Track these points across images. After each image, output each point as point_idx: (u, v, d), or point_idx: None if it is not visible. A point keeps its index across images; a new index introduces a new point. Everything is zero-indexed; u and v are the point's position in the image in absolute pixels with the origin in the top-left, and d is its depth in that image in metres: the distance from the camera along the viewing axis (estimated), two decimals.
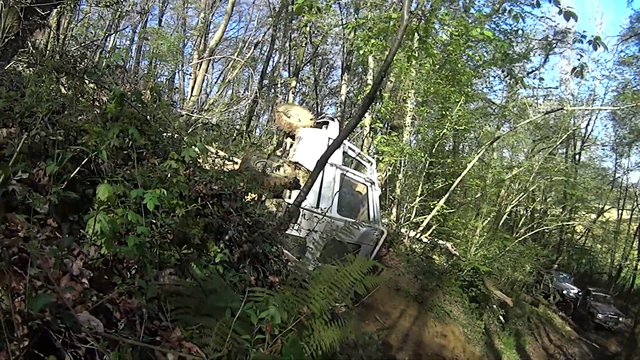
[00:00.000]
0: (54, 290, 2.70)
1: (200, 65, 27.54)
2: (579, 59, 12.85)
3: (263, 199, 10.78)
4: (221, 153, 7.52)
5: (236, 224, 5.99)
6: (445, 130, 23.42)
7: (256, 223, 6.59)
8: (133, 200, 3.87)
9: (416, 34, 13.09)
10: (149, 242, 3.97)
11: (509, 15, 12.55)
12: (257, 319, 3.36)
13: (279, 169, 11.17)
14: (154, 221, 4.17)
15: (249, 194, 7.43)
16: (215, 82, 41.20)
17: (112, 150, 4.38)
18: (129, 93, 5.44)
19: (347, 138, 12.20)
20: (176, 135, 6.58)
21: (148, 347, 2.89)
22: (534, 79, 29.16)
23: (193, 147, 5.05)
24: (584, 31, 12.28)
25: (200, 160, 6.74)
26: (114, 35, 27.97)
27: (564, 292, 36.29)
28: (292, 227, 10.59)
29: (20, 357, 2.27)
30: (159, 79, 37.17)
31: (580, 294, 35.09)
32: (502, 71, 22.52)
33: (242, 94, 41.05)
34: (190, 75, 30.86)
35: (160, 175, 4.74)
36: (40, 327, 2.47)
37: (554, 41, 28.58)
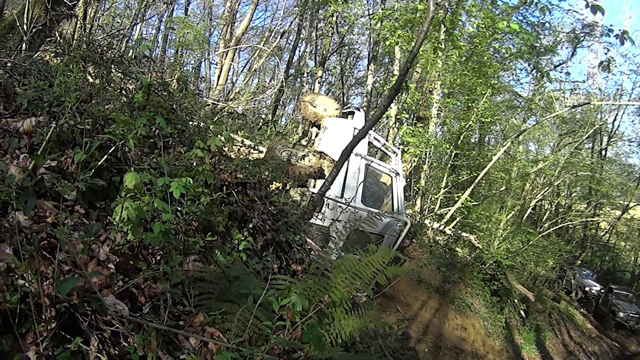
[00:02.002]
0: (81, 275, 2.79)
1: (227, 54, 27.61)
2: (605, 53, 12.81)
3: (288, 188, 10.88)
4: (247, 142, 7.57)
5: (260, 212, 6.10)
6: (471, 122, 23.30)
7: (280, 212, 6.69)
8: (159, 188, 3.94)
9: (443, 26, 13.04)
10: (174, 229, 4.05)
11: (535, 7, 12.51)
12: (279, 306, 3.43)
13: (303, 159, 11.23)
14: (180, 209, 4.25)
15: (274, 182, 7.50)
16: (242, 71, 41.21)
17: (139, 138, 4.46)
18: (156, 83, 5.51)
19: (373, 128, 12.22)
20: (202, 124, 6.64)
21: (172, 330, 2.97)
22: (560, 72, 28.94)
23: (219, 136, 5.13)
24: (611, 25, 12.23)
25: (226, 149, 6.82)
26: (140, 24, 28.07)
27: (586, 289, 36.09)
28: (317, 217, 10.66)
29: (47, 339, 2.35)
30: (185, 68, 37.43)
31: (602, 291, 34.77)
32: (529, 64, 22.42)
33: (268, 83, 41.04)
34: (217, 65, 30.94)
35: (186, 164, 4.81)
36: (67, 310, 2.55)
37: (582, 34, 28.31)
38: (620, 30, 11.48)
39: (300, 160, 11.17)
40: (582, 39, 28.27)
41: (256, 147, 7.69)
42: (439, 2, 11.66)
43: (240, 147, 7.65)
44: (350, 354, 4.35)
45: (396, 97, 24.48)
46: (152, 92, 5.35)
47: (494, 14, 17.81)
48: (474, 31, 18.81)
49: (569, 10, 26.66)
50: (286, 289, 3.93)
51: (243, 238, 5.04)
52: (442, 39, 16.08)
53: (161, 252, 3.88)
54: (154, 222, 3.70)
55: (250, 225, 5.77)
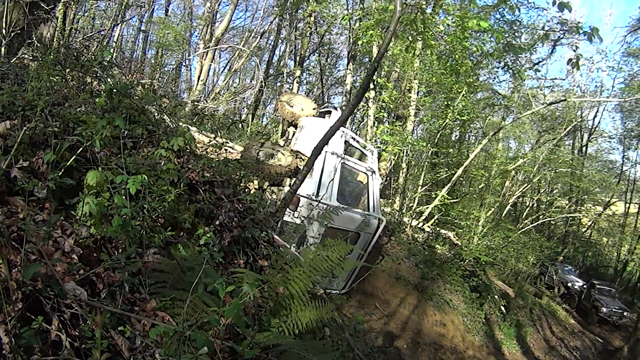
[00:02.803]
0: (45, 263, 3.05)
1: (207, 54, 27.68)
2: (574, 50, 13.06)
3: (264, 187, 11.07)
4: (215, 141, 7.72)
5: (227, 209, 6.25)
6: (448, 120, 23.53)
7: (247, 209, 6.85)
8: (123, 187, 4.19)
9: (414, 25, 13.22)
10: (139, 225, 4.30)
11: (505, 5, 12.74)
12: (225, 293, 3.67)
13: (273, 157, 11.39)
14: (145, 206, 4.50)
15: (243, 181, 7.65)
16: (222, 72, 41.33)
17: (108, 139, 4.70)
18: (119, 86, 5.70)
19: (352, 128, 12.39)
20: (172, 124, 6.83)
21: (125, 314, 3.23)
22: (530, 69, 29.22)
23: (182, 136, 5.35)
24: (579, 22, 12.49)
25: (196, 149, 7.03)
26: (120, 25, 28.13)
27: (569, 284, 36.24)
28: (292, 215, 10.85)
29: (14, 318, 2.64)
30: (165, 69, 37.48)
31: (584, 287, 34.99)
32: (499, 62, 22.66)
33: (248, 84, 41.18)
34: (197, 65, 31.09)
35: (150, 163, 5.02)
36: (32, 294, 2.86)
37: (556, 32, 28.54)
38: (590, 27, 11.76)
39: (271, 158, 11.34)
40: (560, 36, 28.48)
41: (225, 146, 7.84)
42: (406, 2, 11.86)
43: (209, 147, 7.79)
44: (299, 341, 4.54)
45: (375, 97, 24.76)
46: (120, 94, 5.54)
47: (464, 12, 17.98)
48: (446, 29, 19.00)
49: (538, 7, 26.86)
50: (239, 279, 4.17)
51: (204, 232, 5.20)
52: (413, 38, 16.22)
53: (124, 246, 4.11)
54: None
55: (217, 222, 5.94)
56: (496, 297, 22.41)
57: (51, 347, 2.79)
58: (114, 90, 5.50)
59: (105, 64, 6.71)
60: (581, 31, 11.61)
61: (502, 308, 22.41)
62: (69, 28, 12.98)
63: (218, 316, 3.51)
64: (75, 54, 7.43)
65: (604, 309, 31.14)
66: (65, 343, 2.81)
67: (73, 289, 3.13)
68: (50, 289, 2.93)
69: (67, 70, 6.84)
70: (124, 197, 4.14)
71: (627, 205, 47.91)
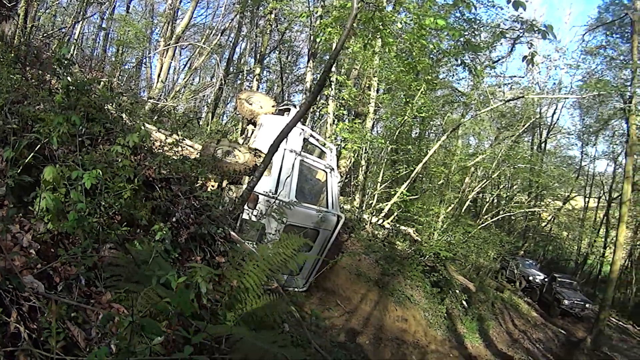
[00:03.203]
0: (4, 257, 3.09)
1: (167, 52, 27.42)
2: (529, 47, 13.25)
3: (223, 185, 11.08)
4: (170, 139, 7.73)
5: (184, 206, 6.30)
6: (407, 117, 23.62)
7: (204, 206, 6.89)
8: (79, 183, 4.22)
9: (372, 23, 13.28)
10: (96, 222, 4.34)
11: (461, 4, 12.82)
12: (176, 284, 3.73)
13: (230, 154, 11.38)
14: (102, 203, 4.54)
15: (200, 178, 7.66)
16: (182, 69, 41.10)
17: (65, 137, 4.72)
18: (76, 83, 5.70)
19: (311, 125, 12.41)
20: (129, 122, 6.84)
21: (81, 306, 3.29)
22: (488, 67, 29.47)
23: (137, 133, 5.38)
24: (533, 20, 12.68)
25: (153, 146, 7.04)
26: (81, 22, 27.78)
27: (530, 278, 36.66)
28: (251, 212, 10.87)
29: None
30: (125, 67, 37.13)
31: (546, 280, 35.45)
32: (457, 60, 22.81)
33: (208, 82, 41.00)
34: (157, 63, 30.82)
35: (107, 160, 5.04)
36: None
37: (520, 31, 28.74)
38: (544, 25, 11.91)
39: (231, 156, 11.34)
40: (520, 35, 28.71)
41: (183, 144, 7.84)
42: (364, 0, 11.93)
43: (165, 144, 7.78)
44: (253, 332, 4.61)
45: (335, 94, 24.81)
46: (78, 92, 5.55)
47: (424, 10, 18.05)
48: (404, 27, 19.08)
49: (495, 6, 27.02)
50: (192, 272, 4.23)
51: (159, 228, 5.24)
52: (372, 36, 16.26)
53: (80, 241, 4.15)
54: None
55: (174, 219, 5.99)
56: (457, 291, 22.62)
57: (10, 338, 2.83)
58: (72, 88, 5.51)
59: (65, 61, 6.70)
60: (535, 29, 11.77)
61: (464, 302, 22.60)
62: (30, 25, 12.84)
63: (170, 304, 3.57)
64: (35, 51, 7.40)
65: (566, 302, 31.56)
66: (23, 335, 2.87)
67: (31, 282, 3.20)
68: (9, 282, 3.00)
69: (27, 68, 6.82)
70: (80, 192, 4.18)
71: (587, 199, 48.79)
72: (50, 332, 2.90)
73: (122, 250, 4.63)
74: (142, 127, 5.89)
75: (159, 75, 27.28)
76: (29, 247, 3.60)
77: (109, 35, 39.23)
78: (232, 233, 7.14)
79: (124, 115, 6.96)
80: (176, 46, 30.01)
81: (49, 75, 6.92)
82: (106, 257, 4.27)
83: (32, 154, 4.37)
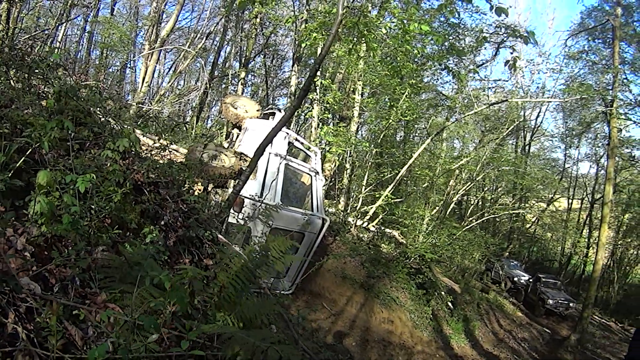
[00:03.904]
0: (1, 260, 3.17)
1: (152, 55, 27.30)
2: (511, 52, 13.46)
3: (209, 189, 11.14)
4: (158, 143, 7.79)
5: (172, 210, 6.36)
6: (391, 121, 23.68)
7: (192, 209, 6.96)
8: (71, 187, 4.30)
9: (357, 28, 13.36)
10: (87, 225, 4.42)
11: (445, 10, 12.97)
12: (169, 283, 3.83)
13: (216, 158, 11.44)
14: (93, 206, 4.62)
15: (187, 182, 7.73)
16: (167, 73, 41.01)
17: (55, 141, 4.78)
18: (68, 88, 5.76)
19: (296, 129, 12.46)
20: (117, 126, 6.89)
21: (77, 306, 3.37)
22: (471, 72, 29.64)
23: (127, 137, 5.45)
24: (516, 25, 12.89)
25: (141, 151, 7.09)
26: (65, 24, 27.62)
27: (515, 279, 36.95)
28: (237, 216, 10.94)
29: None
30: (109, 70, 37.02)
31: (530, 280, 35.78)
32: (441, 64, 22.95)
33: (193, 85, 40.95)
34: (141, 66, 30.71)
35: (97, 164, 5.11)
36: None
37: (504, 36, 28.91)
38: (527, 31, 12.09)
39: (217, 160, 11.39)
40: (504, 40, 28.88)
41: (168, 147, 7.89)
42: (349, 6, 12.01)
43: (153, 149, 7.84)
44: (241, 330, 4.71)
45: (320, 98, 24.89)
46: (66, 97, 5.61)
47: (409, 15, 18.13)
48: (388, 32, 19.16)
49: (478, 12, 27.21)
50: (184, 273, 4.32)
51: (150, 231, 5.30)
52: (357, 41, 16.33)
53: (73, 244, 4.22)
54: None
55: (162, 222, 6.04)
56: (443, 293, 22.74)
57: (8, 339, 2.90)
58: (61, 92, 5.57)
59: (52, 65, 6.74)
60: (518, 35, 11.92)
61: (449, 304, 22.72)
62: (12, 27, 12.83)
63: (163, 303, 3.67)
64: (20, 54, 7.42)
65: (550, 301, 31.90)
66: (21, 335, 2.92)
67: (27, 283, 3.27)
68: (6, 284, 3.05)
69: (13, 71, 6.86)
70: (73, 196, 4.26)
71: (570, 201, 49.35)
72: (49, 331, 2.97)
73: (114, 253, 4.70)
74: (132, 132, 5.95)
75: (143, 79, 27.16)
76: (24, 250, 3.65)
77: (93, 38, 39.10)
78: (219, 236, 7.21)
79: (111, 120, 7.01)
80: (161, 50, 29.99)
81: (35, 80, 6.95)
82: (99, 259, 4.34)
83: (22, 158, 4.42)
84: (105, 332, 3.39)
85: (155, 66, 30.41)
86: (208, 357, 3.92)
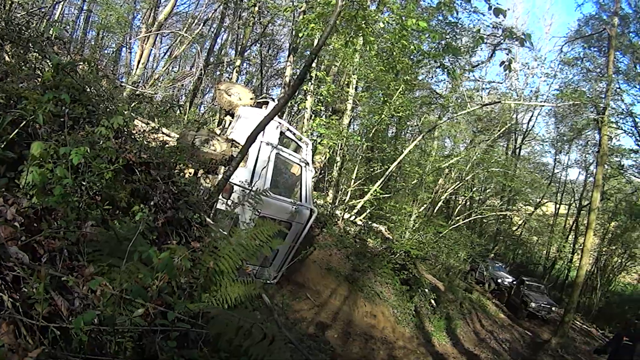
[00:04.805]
0: None
1: (148, 39, 27.17)
2: (507, 54, 13.55)
3: (199, 174, 11.14)
4: (152, 124, 7.82)
5: (162, 191, 6.36)
6: (384, 116, 23.73)
7: (181, 192, 6.97)
8: (63, 161, 4.31)
9: (355, 20, 13.35)
10: (77, 201, 4.44)
11: (444, 8, 12.99)
12: (157, 258, 3.85)
13: (207, 143, 11.43)
14: (84, 182, 4.63)
15: (178, 164, 7.74)
16: (162, 57, 40.90)
17: (49, 116, 4.79)
18: (65, 63, 5.76)
19: (288, 120, 12.46)
20: (112, 105, 6.90)
21: (64, 276, 3.39)
22: (467, 71, 29.72)
23: (121, 115, 5.46)
24: (513, 28, 12.93)
25: (134, 131, 7.10)
26: (62, 3, 27.43)
27: (499, 280, 37.21)
28: (226, 203, 10.94)
29: None
30: (105, 51, 36.88)
31: (514, 283, 36.07)
32: (436, 62, 22.99)
33: (188, 71, 40.82)
34: (137, 49, 30.58)
35: (90, 140, 5.12)
36: None
37: (501, 37, 28.96)
38: (524, 34, 12.15)
39: (208, 145, 11.38)
40: (501, 41, 28.93)
41: (160, 129, 7.90)
42: None
43: (146, 130, 7.85)
44: (223, 309, 4.76)
45: (313, 90, 24.88)
46: (62, 71, 5.61)
47: (407, 11, 18.15)
48: (386, 27, 19.17)
49: (476, 12, 27.23)
50: (172, 250, 4.34)
51: (139, 210, 5.31)
52: (355, 34, 16.31)
53: (63, 218, 4.23)
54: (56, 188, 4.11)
55: (152, 203, 6.03)
56: (426, 290, 22.76)
57: None
58: (59, 66, 5.57)
59: (52, 39, 6.73)
60: (514, 36, 11.94)
61: (432, 301, 22.77)
62: (9, 2, 12.77)
63: (151, 277, 3.70)
64: (17, 29, 7.41)
65: (533, 304, 32.17)
66: (7, 303, 2.93)
67: (15, 252, 3.28)
68: None
69: (8, 45, 6.84)
70: (65, 169, 4.27)
71: (557, 206, 49.70)
72: (35, 300, 2.99)
73: (103, 228, 4.72)
74: (127, 110, 5.97)
75: (139, 62, 27.09)
76: (13, 220, 3.66)
77: (90, 19, 38.95)
78: (207, 219, 7.23)
79: (105, 99, 7.00)
80: (158, 33, 29.87)
81: (31, 54, 6.93)
82: (88, 234, 4.34)
83: (16, 130, 4.43)
84: (92, 304, 3.41)
85: (151, 50, 30.31)
86: (192, 335, 3.96)
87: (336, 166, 25.78)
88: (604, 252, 43.70)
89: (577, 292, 28.02)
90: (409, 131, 38.51)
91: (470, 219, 37.55)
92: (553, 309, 32.75)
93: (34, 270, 3.19)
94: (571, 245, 44.66)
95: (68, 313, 3.25)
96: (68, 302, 3.32)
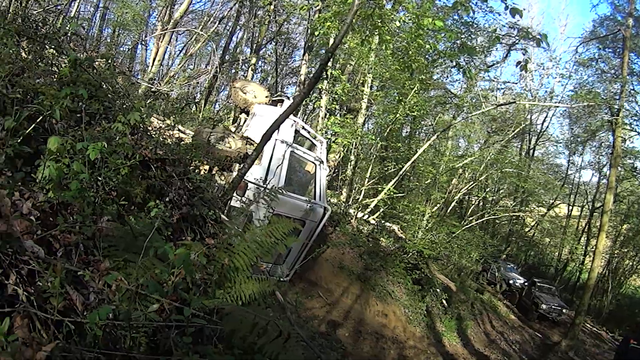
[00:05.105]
0: (6, 221, 3.18)
1: (164, 36, 27.23)
2: (524, 54, 13.49)
3: (214, 171, 11.15)
4: (167, 121, 7.85)
5: (177, 187, 6.36)
6: (398, 115, 23.69)
7: (197, 188, 6.98)
8: (80, 155, 4.33)
9: (371, 19, 13.30)
10: (93, 196, 4.45)
11: (460, 8, 12.93)
12: (174, 254, 3.85)
13: (222, 141, 11.43)
14: (100, 178, 4.65)
15: (193, 161, 7.75)
16: (178, 55, 41.02)
17: (66, 111, 4.80)
18: (83, 59, 5.78)
19: (303, 118, 12.45)
20: (128, 102, 6.92)
21: (79, 271, 3.39)
22: (482, 71, 29.68)
23: (138, 112, 5.47)
24: (528, 28, 12.91)
25: (150, 128, 7.12)
26: (78, 0, 27.53)
27: (510, 281, 37.14)
28: (240, 200, 10.94)
29: None
30: (121, 48, 36.97)
31: (526, 284, 35.89)
32: (452, 61, 22.90)
33: (203, 69, 40.87)
34: (153, 47, 30.64)
35: (107, 136, 5.13)
36: None
37: (516, 37, 28.88)
38: (540, 34, 12.10)
39: (223, 142, 11.39)
40: (516, 42, 28.85)
41: (176, 126, 7.93)
42: None
43: (161, 127, 7.86)
44: (237, 306, 4.77)
45: (328, 88, 24.86)
46: (79, 67, 5.62)
47: (423, 10, 18.10)
48: (402, 26, 19.13)
49: (493, 12, 27.12)
50: (187, 246, 4.35)
51: (155, 205, 5.33)
52: (369, 33, 16.26)
53: (79, 213, 4.24)
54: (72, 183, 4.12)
55: (167, 199, 6.05)
56: (438, 290, 22.70)
57: (8, 300, 2.92)
58: (77, 61, 5.58)
59: (68, 36, 6.76)
60: (530, 37, 11.90)
61: (444, 301, 22.70)
62: None
63: (167, 273, 3.71)
64: (34, 25, 7.44)
65: (544, 306, 32.11)
66: (22, 297, 2.94)
67: (31, 246, 3.28)
68: (9, 245, 3.07)
69: (25, 41, 6.87)
70: (82, 164, 4.28)
71: (570, 208, 49.49)
72: (50, 294, 2.99)
73: (118, 224, 4.73)
74: (144, 106, 5.98)
75: (154, 59, 27.13)
76: (29, 214, 3.66)
77: (106, 16, 39.06)
78: (222, 216, 7.23)
79: (121, 95, 7.02)
80: (173, 31, 29.92)
81: (47, 50, 6.96)
82: (104, 229, 4.35)
83: (32, 125, 4.44)
84: (107, 299, 3.42)
85: (167, 47, 30.33)
86: (207, 331, 3.97)
87: (350, 165, 25.80)
88: (615, 255, 43.54)
89: (588, 294, 27.89)
90: (423, 131, 38.41)
91: (483, 219, 37.41)
92: (564, 311, 32.71)
93: (49, 264, 3.19)
94: (583, 248, 44.40)
95: (83, 307, 3.25)
96: (83, 297, 3.32)
